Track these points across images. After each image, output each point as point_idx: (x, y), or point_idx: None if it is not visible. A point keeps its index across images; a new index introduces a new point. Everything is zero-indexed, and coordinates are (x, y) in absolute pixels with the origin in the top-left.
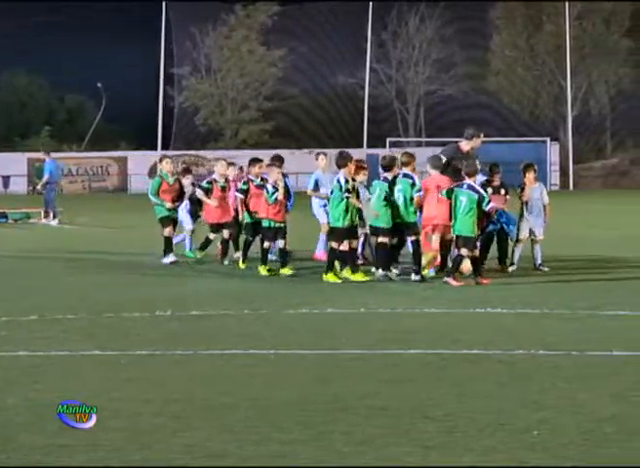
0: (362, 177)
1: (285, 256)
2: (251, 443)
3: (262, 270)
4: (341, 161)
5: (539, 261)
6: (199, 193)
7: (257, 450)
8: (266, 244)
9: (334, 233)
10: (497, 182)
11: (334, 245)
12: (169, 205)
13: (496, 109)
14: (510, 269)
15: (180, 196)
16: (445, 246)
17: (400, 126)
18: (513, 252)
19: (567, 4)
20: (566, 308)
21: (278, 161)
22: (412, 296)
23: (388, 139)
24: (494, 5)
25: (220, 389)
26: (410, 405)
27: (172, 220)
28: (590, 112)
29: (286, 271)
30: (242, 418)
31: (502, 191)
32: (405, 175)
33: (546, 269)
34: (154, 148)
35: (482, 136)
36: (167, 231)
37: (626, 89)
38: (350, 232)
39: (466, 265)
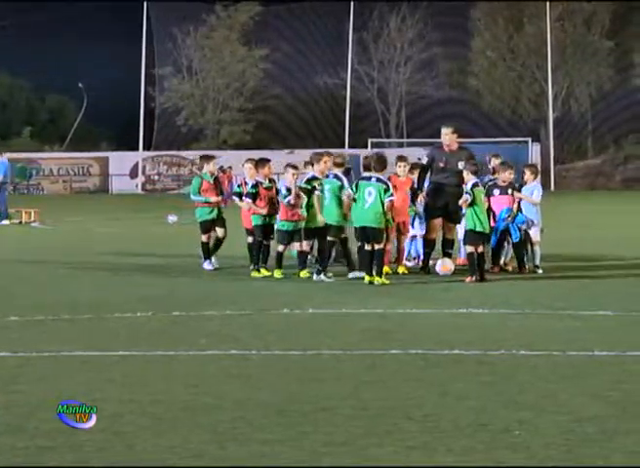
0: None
1: (304, 259)
2: (232, 443)
3: (277, 273)
4: (379, 165)
5: (536, 262)
6: (235, 199)
7: (238, 451)
8: (280, 247)
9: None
10: (504, 182)
11: (377, 246)
12: (214, 199)
13: (477, 110)
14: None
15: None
16: (429, 245)
17: (382, 126)
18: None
19: (548, 5)
20: (547, 308)
21: (311, 161)
22: (393, 297)
23: (370, 140)
24: (475, 6)
25: (202, 389)
26: (391, 405)
27: (212, 225)
28: (571, 113)
29: (304, 274)
30: (223, 419)
31: (510, 191)
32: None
33: (540, 271)
34: (135, 149)
35: (442, 129)
36: (204, 237)
37: (607, 89)
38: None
39: (447, 265)
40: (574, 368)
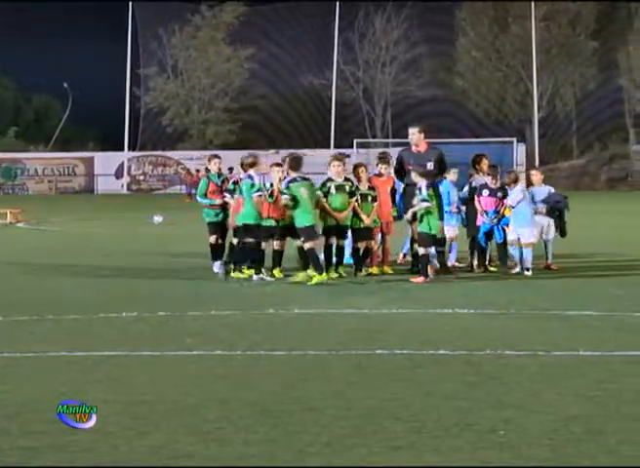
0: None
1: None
2: (217, 443)
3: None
4: (295, 164)
5: (526, 265)
6: (227, 196)
7: (223, 451)
8: (263, 244)
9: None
10: (494, 185)
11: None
12: (219, 201)
13: (462, 110)
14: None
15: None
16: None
17: (367, 126)
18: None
19: (532, 5)
20: (533, 308)
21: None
22: (378, 297)
23: (356, 140)
24: (460, 6)
25: (187, 390)
26: (377, 405)
27: (218, 226)
28: (557, 113)
29: (277, 273)
30: (208, 419)
31: (500, 194)
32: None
33: (529, 273)
34: (121, 149)
35: (409, 130)
36: (212, 238)
37: (591, 89)
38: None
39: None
40: (559, 368)
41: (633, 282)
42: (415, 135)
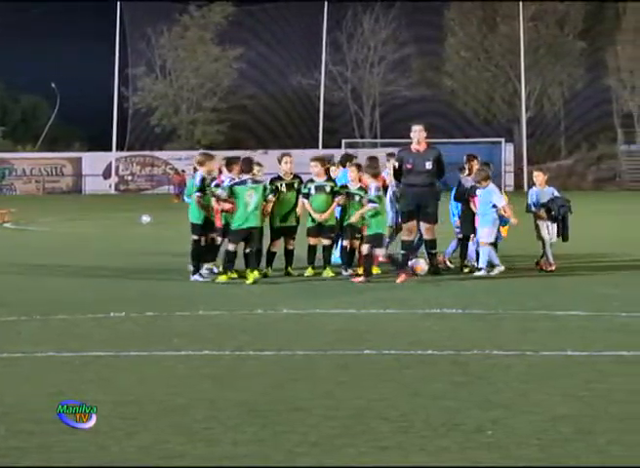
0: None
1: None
2: (205, 443)
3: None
4: (246, 166)
5: (479, 264)
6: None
7: (211, 451)
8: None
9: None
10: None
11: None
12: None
13: (451, 110)
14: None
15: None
16: (406, 247)
17: (356, 126)
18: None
19: (521, 5)
20: (521, 308)
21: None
22: (367, 297)
23: (344, 140)
24: (448, 6)
25: (175, 390)
26: (365, 405)
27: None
28: (545, 113)
29: (268, 273)
30: (197, 419)
31: None
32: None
33: (479, 273)
34: (109, 149)
35: (413, 128)
36: (202, 239)
37: (580, 90)
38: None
39: (420, 266)
40: (547, 368)
41: (622, 282)
42: (422, 132)
